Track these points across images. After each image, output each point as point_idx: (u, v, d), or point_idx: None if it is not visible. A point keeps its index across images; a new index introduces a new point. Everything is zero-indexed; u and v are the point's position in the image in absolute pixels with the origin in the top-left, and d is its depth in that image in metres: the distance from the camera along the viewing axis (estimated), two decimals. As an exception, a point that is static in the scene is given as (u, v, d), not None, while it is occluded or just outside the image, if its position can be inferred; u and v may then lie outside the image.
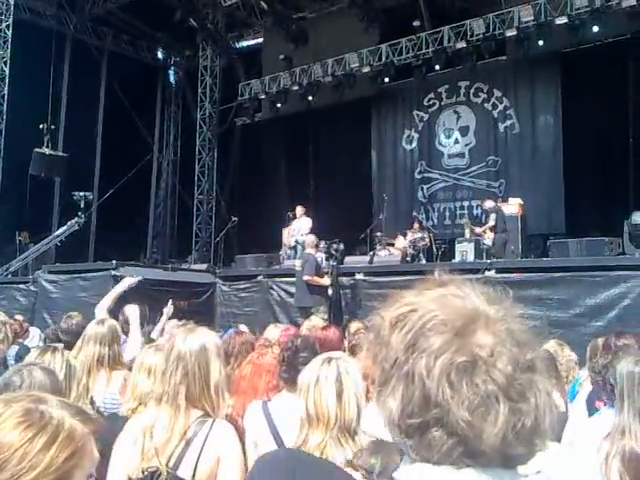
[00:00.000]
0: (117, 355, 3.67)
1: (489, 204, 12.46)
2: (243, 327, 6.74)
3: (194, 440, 2.25)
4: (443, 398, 0.84)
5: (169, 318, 6.04)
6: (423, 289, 0.94)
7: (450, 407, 0.83)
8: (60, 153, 16.91)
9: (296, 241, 13.31)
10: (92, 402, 3.31)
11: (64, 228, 14.85)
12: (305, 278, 9.55)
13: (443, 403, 0.84)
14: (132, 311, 4.85)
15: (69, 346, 3.90)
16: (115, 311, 5.37)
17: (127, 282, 5.52)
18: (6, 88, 15.60)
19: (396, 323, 0.91)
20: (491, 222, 11.93)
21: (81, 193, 14.95)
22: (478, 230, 12.33)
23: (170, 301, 6.12)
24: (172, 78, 22.81)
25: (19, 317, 9.24)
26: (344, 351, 3.92)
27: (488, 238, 11.87)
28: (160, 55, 22.24)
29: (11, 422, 1.04)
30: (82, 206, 14.87)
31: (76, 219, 14.68)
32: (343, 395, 2.20)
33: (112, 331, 3.71)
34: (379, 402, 0.91)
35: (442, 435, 0.85)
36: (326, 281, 9.75)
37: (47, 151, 15.91)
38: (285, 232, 14.22)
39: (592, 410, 3.43)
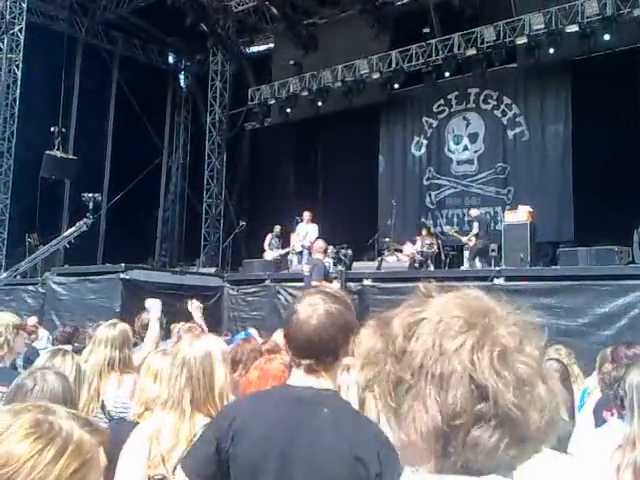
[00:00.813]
0: (128, 359, 3.67)
1: (474, 213, 13.30)
2: (253, 331, 6.71)
3: None
4: (492, 386, 0.86)
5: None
6: (421, 299, 0.97)
7: (499, 394, 0.86)
8: (71, 156, 17.01)
9: (302, 246, 13.35)
10: (103, 406, 3.32)
11: (72, 229, 14.90)
12: (314, 284, 9.55)
13: (492, 392, 0.86)
14: (154, 305, 4.76)
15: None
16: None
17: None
18: (18, 91, 15.70)
19: (410, 331, 0.92)
20: (474, 230, 12.53)
21: (90, 194, 14.99)
22: (465, 239, 12.64)
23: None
24: (182, 82, 22.92)
25: (33, 319, 9.32)
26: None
27: (433, 244, 12.56)
28: (171, 60, 22.38)
29: (20, 433, 1.03)
30: (91, 207, 14.92)
31: (84, 220, 14.73)
32: (365, 403, 2.20)
33: (123, 334, 3.72)
34: (398, 415, 0.91)
35: (488, 428, 0.86)
36: (335, 286, 9.74)
37: (58, 154, 16.01)
38: (268, 238, 14.39)
39: (599, 420, 3.42)
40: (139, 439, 2.40)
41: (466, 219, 15.89)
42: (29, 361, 4.30)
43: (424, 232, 13.52)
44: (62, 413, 1.11)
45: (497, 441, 0.86)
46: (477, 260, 12.00)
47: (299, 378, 1.81)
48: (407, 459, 0.94)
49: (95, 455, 1.09)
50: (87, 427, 1.11)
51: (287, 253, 14.22)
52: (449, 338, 0.89)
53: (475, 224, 12.67)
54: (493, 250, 12.25)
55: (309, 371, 1.78)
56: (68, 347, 4.41)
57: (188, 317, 6.06)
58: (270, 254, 14.26)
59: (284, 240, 14.52)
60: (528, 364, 0.89)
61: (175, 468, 2.28)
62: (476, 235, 12.39)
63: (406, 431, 0.89)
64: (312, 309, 1.81)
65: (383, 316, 0.98)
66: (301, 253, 13.42)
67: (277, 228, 14.64)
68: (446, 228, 13.49)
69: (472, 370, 0.87)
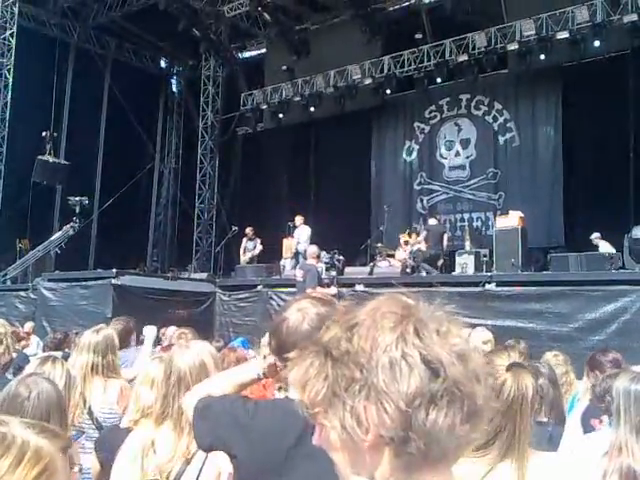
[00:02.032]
0: (112, 364, 3.65)
1: (431, 221, 13.58)
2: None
3: (195, 456, 2.25)
4: (445, 360, 0.89)
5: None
6: (344, 311, 1.00)
7: (450, 368, 0.89)
8: (62, 161, 16.95)
9: (296, 250, 13.37)
10: (90, 412, 3.30)
11: (59, 233, 14.82)
12: (309, 291, 9.54)
13: (445, 366, 0.89)
14: (149, 331, 4.86)
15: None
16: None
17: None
18: (9, 96, 15.66)
19: (350, 333, 0.94)
20: (420, 237, 12.80)
21: (77, 198, 14.88)
22: (412, 240, 12.88)
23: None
24: (175, 87, 22.91)
25: (29, 324, 9.29)
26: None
27: (420, 249, 12.48)
28: (163, 64, 22.37)
29: None
30: (78, 211, 14.82)
31: (71, 224, 14.63)
32: None
33: (107, 340, 3.70)
34: (354, 416, 0.90)
35: (442, 407, 0.88)
36: (333, 291, 9.71)
37: (50, 158, 15.95)
38: (243, 242, 14.48)
39: (587, 427, 3.43)
40: (133, 448, 2.39)
41: (458, 225, 15.98)
42: (19, 368, 4.27)
43: (414, 237, 13.55)
44: (15, 423, 1.10)
45: (453, 417, 0.89)
46: (422, 267, 12.14)
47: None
48: (360, 466, 0.93)
49: (56, 460, 1.08)
50: (45, 433, 1.10)
51: (260, 252, 14.28)
52: (391, 329, 0.91)
53: (423, 233, 12.89)
54: (485, 255, 12.29)
55: None
56: (58, 354, 4.41)
57: (179, 322, 6.06)
58: (243, 258, 14.36)
59: (277, 242, 14.56)
60: (461, 341, 0.94)
61: (168, 476, 2.28)
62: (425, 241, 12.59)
63: (364, 431, 0.90)
64: (302, 314, 1.73)
65: (307, 343, 0.99)
66: (296, 257, 13.42)
67: (248, 230, 14.68)
68: (401, 237, 13.52)
69: (422, 348, 0.89)
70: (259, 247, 14.36)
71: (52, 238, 14.89)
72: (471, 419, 0.91)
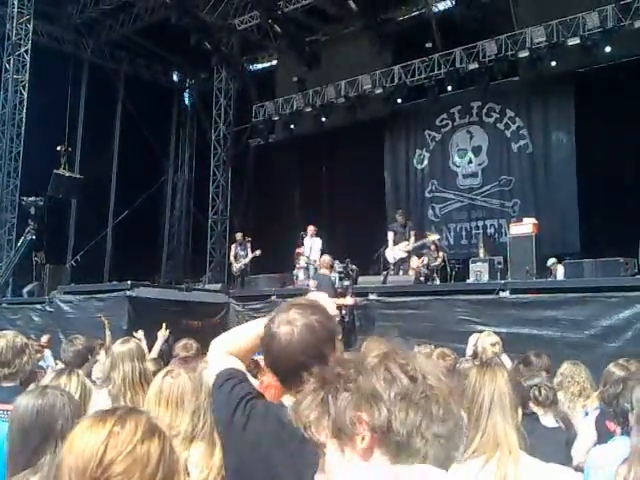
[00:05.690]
0: (148, 372, 3.62)
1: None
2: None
3: None
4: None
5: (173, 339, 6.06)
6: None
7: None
8: (77, 175, 17.09)
9: (307, 261, 13.36)
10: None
11: (21, 240, 14.57)
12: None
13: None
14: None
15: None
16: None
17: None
18: (24, 111, 15.85)
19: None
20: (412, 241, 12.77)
21: (31, 198, 14.55)
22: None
23: (164, 325, 6.28)
24: (187, 100, 23.10)
25: (46, 337, 9.38)
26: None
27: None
28: (175, 78, 22.57)
29: (143, 436, 1.20)
30: (33, 213, 14.59)
31: (28, 229, 14.35)
32: None
33: (138, 348, 3.71)
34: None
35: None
36: (349, 301, 9.66)
37: (66, 173, 16.08)
38: (232, 248, 14.75)
39: (602, 430, 3.40)
40: None
41: (472, 232, 15.92)
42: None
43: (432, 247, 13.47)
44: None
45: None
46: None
47: (290, 397, 1.66)
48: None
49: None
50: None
51: (253, 258, 14.27)
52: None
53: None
54: (499, 263, 12.22)
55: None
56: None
57: (193, 333, 6.08)
58: (236, 266, 14.36)
59: (290, 252, 14.54)
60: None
61: None
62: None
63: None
64: (291, 327, 1.68)
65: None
66: (307, 268, 13.42)
67: (239, 235, 14.67)
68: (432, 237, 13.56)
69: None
70: (250, 253, 14.34)
71: (17, 246, 14.60)
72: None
